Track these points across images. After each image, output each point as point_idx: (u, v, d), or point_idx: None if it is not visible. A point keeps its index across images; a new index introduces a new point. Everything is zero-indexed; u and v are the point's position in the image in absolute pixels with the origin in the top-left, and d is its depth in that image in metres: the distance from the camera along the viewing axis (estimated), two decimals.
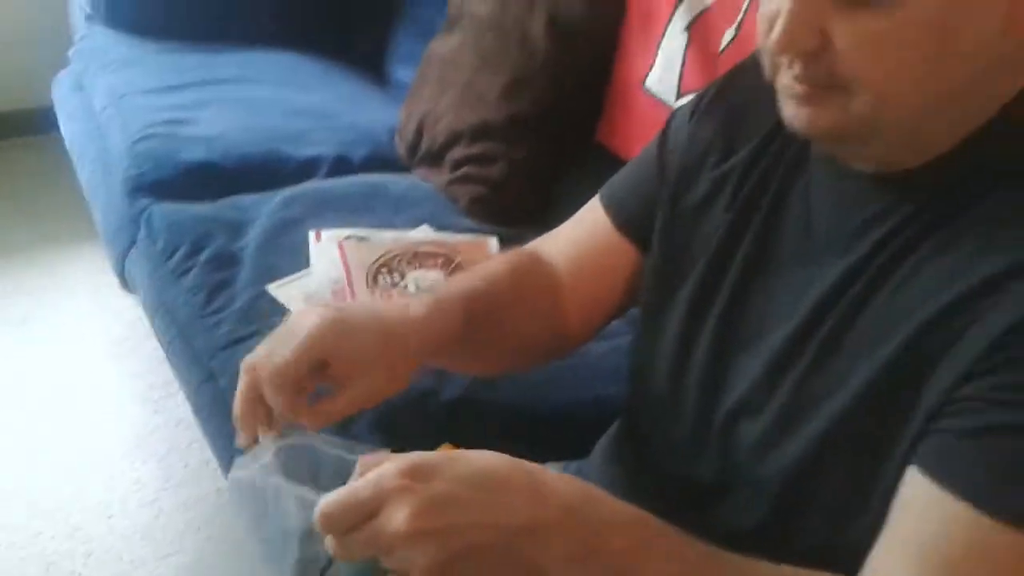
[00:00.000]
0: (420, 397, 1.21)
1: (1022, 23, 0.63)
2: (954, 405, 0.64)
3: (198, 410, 1.39)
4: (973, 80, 0.66)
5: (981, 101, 0.68)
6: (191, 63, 1.98)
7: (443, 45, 1.76)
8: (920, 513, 0.64)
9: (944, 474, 0.63)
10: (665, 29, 1.45)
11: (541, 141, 1.58)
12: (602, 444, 0.99)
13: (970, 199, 0.68)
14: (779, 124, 0.73)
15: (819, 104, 0.68)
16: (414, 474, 0.59)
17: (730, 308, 0.80)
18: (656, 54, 1.46)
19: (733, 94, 0.86)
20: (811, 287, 0.74)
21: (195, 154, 1.69)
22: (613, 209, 0.93)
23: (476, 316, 0.88)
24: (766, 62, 0.70)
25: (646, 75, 1.47)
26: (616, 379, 1.28)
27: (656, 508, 0.68)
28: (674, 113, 0.92)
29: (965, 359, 0.63)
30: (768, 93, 0.73)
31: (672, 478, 0.82)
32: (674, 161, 0.87)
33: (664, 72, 1.43)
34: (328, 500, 0.60)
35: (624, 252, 0.91)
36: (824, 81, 0.66)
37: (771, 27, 0.66)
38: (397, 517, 0.58)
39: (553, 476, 0.63)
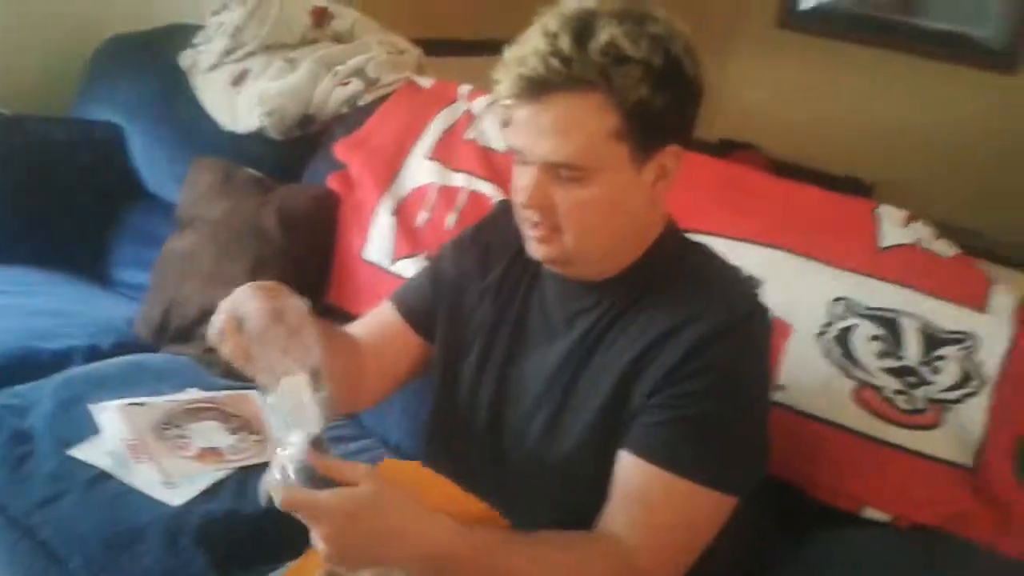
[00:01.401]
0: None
1: (657, 202, 1.16)
2: (647, 409, 1.10)
3: (15, 571, 1.52)
4: (634, 230, 1.16)
5: (640, 240, 1.17)
6: None
7: (179, 244, 2.10)
8: (629, 478, 1.10)
9: (642, 450, 1.09)
10: (374, 214, 1.93)
11: None
12: None
13: (640, 295, 1.16)
14: (519, 252, 1.21)
15: (547, 241, 1.13)
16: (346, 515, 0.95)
17: (500, 376, 1.24)
18: (370, 233, 1.92)
19: (484, 234, 1.34)
20: (550, 359, 1.20)
21: None
22: (403, 308, 1.35)
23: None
24: (517, 214, 1.16)
25: (363, 248, 1.93)
26: None
27: None
28: (443, 247, 1.37)
29: (651, 382, 1.10)
30: (509, 231, 1.20)
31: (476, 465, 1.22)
32: (447, 280, 1.31)
33: (379, 245, 1.89)
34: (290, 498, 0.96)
35: (409, 337, 1.34)
36: (550, 226, 1.12)
37: (520, 194, 1.12)
38: (320, 532, 0.96)
39: (408, 536, 0.99)
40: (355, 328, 1.36)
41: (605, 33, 1.03)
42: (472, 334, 1.28)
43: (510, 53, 1.08)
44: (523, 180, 1.11)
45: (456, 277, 1.32)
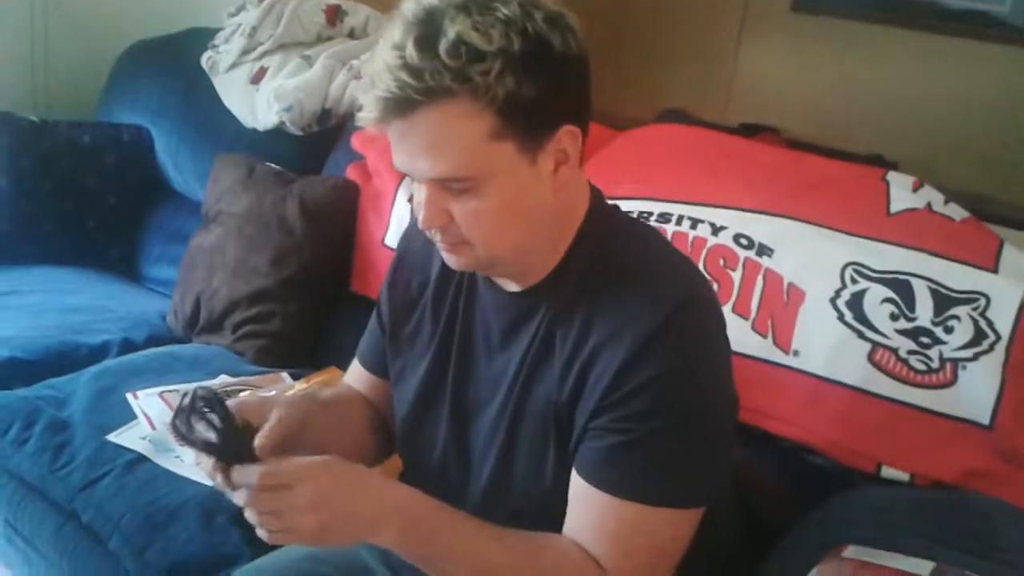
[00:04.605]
0: None
1: (562, 188, 1.04)
2: (590, 431, 1.04)
3: (61, 552, 1.59)
4: (544, 225, 1.06)
5: (560, 231, 1.08)
6: None
7: (205, 238, 2.15)
8: (583, 504, 1.05)
9: (590, 476, 1.04)
10: (393, 202, 1.97)
11: (308, 296, 2.02)
12: None
13: (571, 298, 1.07)
14: (444, 262, 1.12)
15: (459, 252, 1.05)
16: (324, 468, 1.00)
17: (455, 393, 1.17)
18: (390, 219, 1.96)
19: (407, 256, 1.25)
20: (500, 375, 1.13)
21: (0, 353, 1.92)
22: (365, 362, 1.33)
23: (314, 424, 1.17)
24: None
25: (384, 235, 1.97)
26: None
27: None
28: (381, 289, 1.30)
29: (592, 401, 1.03)
30: (428, 243, 1.14)
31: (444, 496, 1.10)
32: (386, 318, 1.26)
33: (398, 230, 1.93)
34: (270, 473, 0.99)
35: (382, 387, 1.30)
36: (455, 240, 1.04)
37: (417, 213, 1.03)
38: (304, 494, 0.98)
39: (375, 492, 1.02)
40: (345, 387, 1.37)
41: (452, 31, 0.93)
42: (417, 358, 1.21)
43: (366, 69, 1.00)
44: (418, 197, 1.03)
45: (392, 310, 1.25)
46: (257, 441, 1.05)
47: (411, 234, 1.26)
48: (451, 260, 1.08)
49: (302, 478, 0.98)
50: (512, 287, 1.12)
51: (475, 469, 1.16)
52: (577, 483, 1.05)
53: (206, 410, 1.01)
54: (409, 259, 1.25)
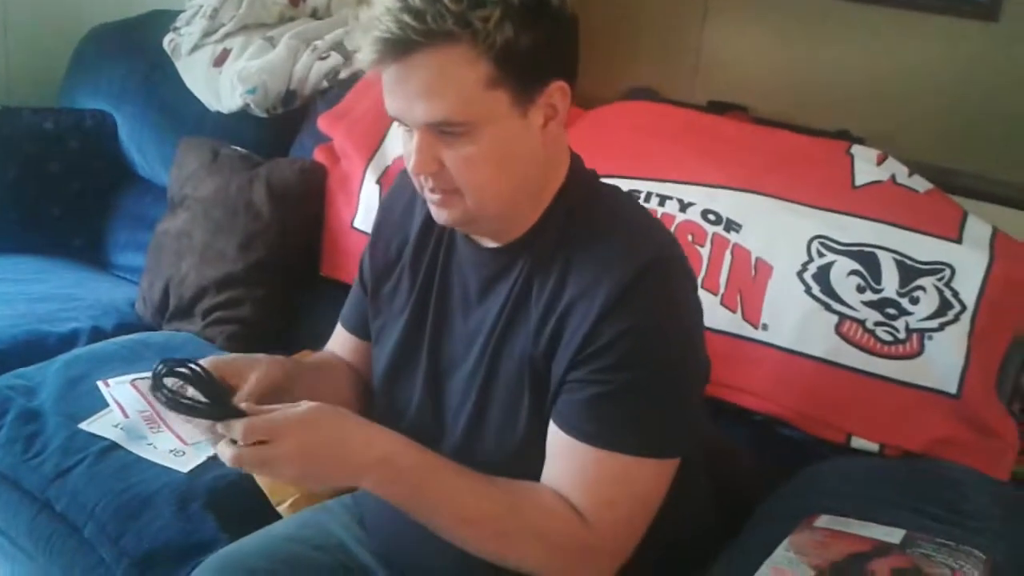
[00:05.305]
0: None
1: (550, 143, 1.08)
2: (567, 384, 1.06)
3: (36, 542, 1.58)
4: (533, 177, 1.09)
5: (544, 188, 1.11)
6: None
7: (172, 224, 2.13)
8: (562, 455, 1.07)
9: (569, 427, 1.06)
10: (361, 184, 1.96)
11: (277, 280, 2.01)
12: None
13: (550, 255, 1.10)
14: (426, 220, 1.17)
15: (447, 204, 1.08)
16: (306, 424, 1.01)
17: (432, 351, 1.19)
18: (358, 202, 1.95)
19: (388, 214, 1.28)
20: (476, 331, 1.15)
21: None
22: (347, 324, 1.34)
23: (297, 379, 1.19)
24: (413, 181, 1.11)
25: (353, 218, 1.96)
26: None
27: None
28: (363, 251, 1.32)
29: (568, 354, 1.05)
30: (412, 203, 1.18)
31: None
32: (368, 278, 1.28)
33: (367, 213, 1.92)
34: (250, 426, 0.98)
35: (364, 351, 1.31)
36: (446, 188, 1.06)
37: (408, 160, 1.06)
38: (284, 449, 0.99)
39: (359, 443, 1.03)
40: (329, 353, 1.37)
41: None
42: (396, 316, 1.23)
43: (364, 14, 1.01)
44: (408, 145, 1.06)
45: (373, 271, 1.27)
46: (238, 399, 1.06)
47: (392, 199, 1.29)
48: (439, 214, 1.10)
49: (284, 433, 0.99)
50: (491, 244, 1.15)
51: (449, 424, 1.18)
52: (557, 436, 1.08)
53: (184, 372, 1.02)
54: (389, 223, 1.27)
